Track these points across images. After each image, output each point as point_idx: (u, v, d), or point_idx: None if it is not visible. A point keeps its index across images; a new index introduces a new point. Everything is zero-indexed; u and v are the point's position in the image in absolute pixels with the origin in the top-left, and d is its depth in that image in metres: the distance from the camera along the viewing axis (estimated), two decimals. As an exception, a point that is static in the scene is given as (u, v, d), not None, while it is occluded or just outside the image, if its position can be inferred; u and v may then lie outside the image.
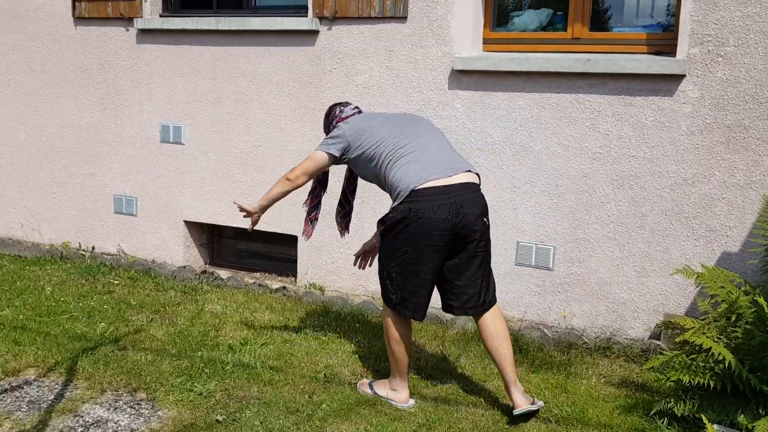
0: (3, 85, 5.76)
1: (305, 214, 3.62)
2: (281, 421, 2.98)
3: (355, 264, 3.66)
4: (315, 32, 4.61)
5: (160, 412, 3.04)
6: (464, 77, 4.25)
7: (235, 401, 3.13)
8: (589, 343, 3.93)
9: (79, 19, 5.39)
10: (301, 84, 4.72)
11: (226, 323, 4.08)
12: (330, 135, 3.25)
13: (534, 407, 3.03)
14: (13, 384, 3.27)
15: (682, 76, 3.72)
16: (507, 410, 3.09)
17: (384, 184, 3.11)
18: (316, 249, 4.81)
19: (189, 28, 5.00)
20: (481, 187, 3.13)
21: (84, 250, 5.52)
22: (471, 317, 3.22)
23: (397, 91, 4.43)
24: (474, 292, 3.07)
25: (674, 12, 3.91)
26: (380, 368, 3.54)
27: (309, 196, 3.59)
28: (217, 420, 2.97)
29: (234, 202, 3.76)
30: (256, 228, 3.59)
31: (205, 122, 5.10)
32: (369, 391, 3.29)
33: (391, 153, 3.04)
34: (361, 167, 3.21)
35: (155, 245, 5.39)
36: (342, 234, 3.69)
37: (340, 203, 3.64)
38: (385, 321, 3.16)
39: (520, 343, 3.87)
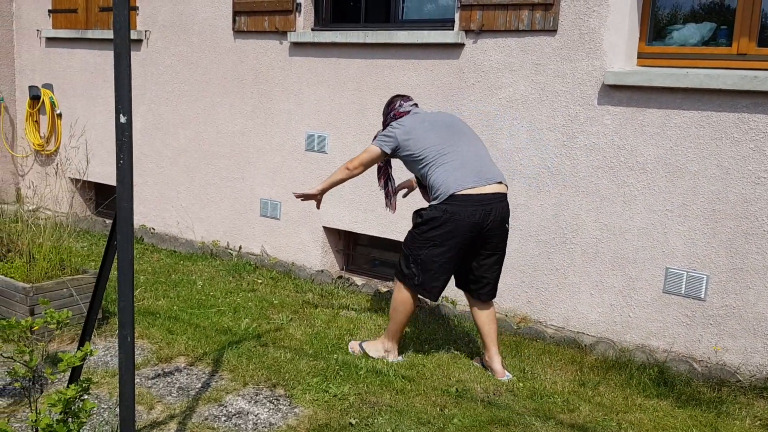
0: (168, 93, 6.25)
1: (383, 194, 4.03)
2: (412, 431, 2.98)
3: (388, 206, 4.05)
4: (460, 45, 4.62)
5: (296, 409, 3.15)
6: (616, 92, 4.08)
7: (368, 406, 3.18)
8: (744, 382, 3.62)
9: (238, 33, 5.75)
10: (443, 97, 4.74)
11: (360, 329, 4.16)
12: (385, 133, 3.64)
13: (507, 377, 3.60)
14: (166, 370, 3.51)
15: None
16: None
17: (425, 183, 3.56)
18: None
19: (338, 41, 5.18)
20: (508, 194, 3.64)
21: (231, 249, 5.86)
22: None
23: (543, 105, 4.34)
24: (491, 281, 3.63)
25: None
26: (514, 389, 3.46)
27: (379, 176, 3.99)
28: (350, 423, 3.02)
29: (293, 192, 4.03)
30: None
31: (347, 132, 5.26)
32: (359, 350, 3.75)
33: (435, 158, 3.48)
34: (408, 164, 3.65)
35: (295, 248, 5.61)
36: (391, 208, 4.04)
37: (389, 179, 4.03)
38: (398, 294, 3.62)
39: (665, 376, 3.64)
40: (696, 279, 3.89)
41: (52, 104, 7.07)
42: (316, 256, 5.50)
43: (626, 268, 4.12)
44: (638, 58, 4.19)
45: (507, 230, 3.61)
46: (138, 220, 6.49)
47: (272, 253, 5.75)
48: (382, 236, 5.14)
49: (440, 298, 4.73)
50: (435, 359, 3.75)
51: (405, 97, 3.85)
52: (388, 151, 3.60)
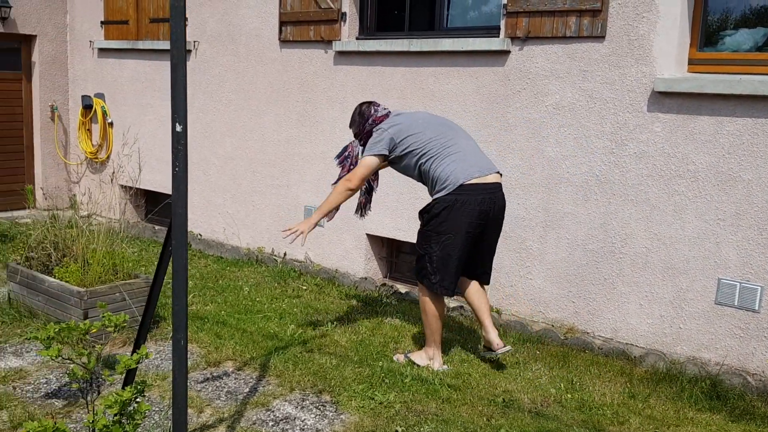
0: (215, 102, 6.37)
1: (359, 215, 4.16)
2: (459, 440, 2.97)
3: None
4: (506, 52, 4.60)
5: (342, 416, 3.16)
6: (666, 99, 4.01)
7: (414, 414, 3.17)
8: (802, 398, 3.50)
9: (283, 42, 5.84)
10: (487, 104, 4.73)
11: (404, 336, 4.16)
12: (374, 140, 3.66)
13: (507, 348, 3.71)
14: (214, 374, 3.57)
15: None
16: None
17: (426, 178, 3.63)
18: (494, 271, 4.76)
19: (383, 49, 5.21)
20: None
21: (276, 256, 5.93)
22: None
23: (590, 112, 4.29)
24: (488, 264, 3.82)
25: None
26: (562, 400, 3.41)
27: (363, 196, 4.07)
28: (396, 431, 3.02)
29: (282, 231, 3.90)
30: None
31: (392, 140, 5.28)
32: (404, 359, 3.73)
33: (439, 151, 3.57)
34: (404, 162, 3.68)
35: (339, 255, 5.64)
36: (362, 214, 4.15)
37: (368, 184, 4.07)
38: (423, 299, 3.67)
39: (718, 389, 3.54)
40: (750, 290, 3.78)
41: (104, 113, 7.27)
42: (360, 263, 5.53)
43: (677, 278, 4.03)
44: (689, 64, 4.11)
45: (503, 217, 3.79)
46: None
47: (316, 259, 5.80)
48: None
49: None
50: (481, 369, 3.73)
51: (374, 103, 3.87)
52: (387, 153, 3.65)
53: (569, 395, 3.45)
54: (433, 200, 3.57)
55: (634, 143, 4.13)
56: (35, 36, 7.40)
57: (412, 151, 3.61)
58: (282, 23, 5.79)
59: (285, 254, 5.96)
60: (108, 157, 7.37)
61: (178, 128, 2.19)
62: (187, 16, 6.55)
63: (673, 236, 4.03)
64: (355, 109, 3.90)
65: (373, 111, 3.80)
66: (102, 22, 7.31)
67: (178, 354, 2.33)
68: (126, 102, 7.19)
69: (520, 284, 4.64)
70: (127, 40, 7.07)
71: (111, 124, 7.29)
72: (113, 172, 6.14)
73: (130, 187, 6.93)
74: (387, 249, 5.66)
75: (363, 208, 4.14)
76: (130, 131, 7.07)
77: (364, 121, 3.80)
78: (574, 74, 4.33)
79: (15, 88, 7.42)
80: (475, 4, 5.13)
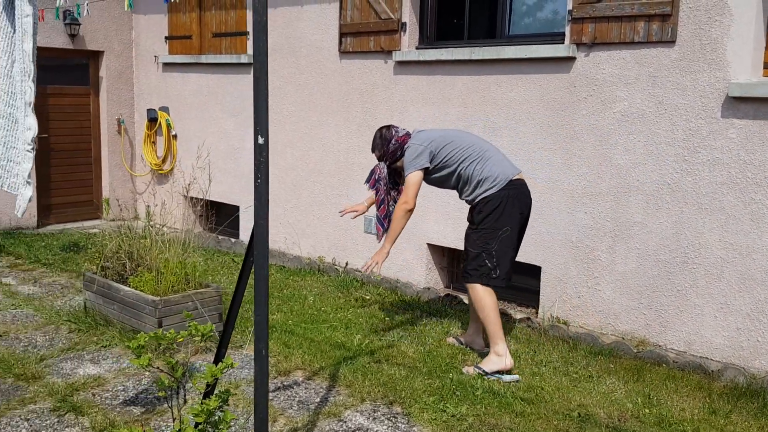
0: (276, 114, 6.47)
1: (378, 224, 4.18)
2: (534, 455, 2.91)
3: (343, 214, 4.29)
4: (571, 59, 4.53)
5: (415, 428, 3.15)
6: (741, 104, 3.89)
7: (488, 428, 3.13)
8: None
9: (343, 54, 5.89)
10: (552, 111, 4.67)
11: (474, 350, 4.11)
12: (412, 157, 3.85)
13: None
14: (285, 383, 3.60)
15: None
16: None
17: (470, 181, 3.84)
18: (560, 282, 4.69)
19: (443, 58, 5.21)
20: None
21: (338, 265, 5.96)
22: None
23: (661, 119, 4.18)
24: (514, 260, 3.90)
25: None
26: (640, 415, 3.32)
27: (379, 207, 4.14)
28: (470, 444, 2.99)
29: (362, 268, 4.05)
30: None
31: (453, 149, 5.26)
32: (474, 371, 3.73)
33: (480, 154, 3.83)
34: (441, 172, 3.89)
35: (399, 265, 5.64)
36: (379, 238, 4.19)
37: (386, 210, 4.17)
38: (478, 297, 3.78)
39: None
40: (837, 302, 3.61)
41: (168, 126, 7.47)
42: (420, 273, 5.51)
43: (754, 289, 3.89)
44: (765, 68, 3.98)
45: None
46: (247, 236, 6.72)
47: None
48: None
49: (553, 320, 4.64)
50: (553, 382, 3.66)
51: (392, 126, 4.07)
52: (429, 165, 3.87)
53: (647, 410, 3.35)
54: (484, 198, 3.78)
55: (707, 150, 4.01)
56: (103, 52, 7.67)
57: (452, 159, 3.85)
58: (342, 35, 5.85)
59: (347, 264, 5.98)
60: (172, 169, 7.56)
61: (260, 140, 2.22)
62: (248, 29, 6.73)
63: (750, 246, 3.90)
64: (375, 133, 4.09)
65: (393, 132, 4.02)
66: (166, 38, 7.52)
67: (259, 363, 2.36)
68: (189, 115, 7.37)
69: (588, 295, 4.55)
70: (190, 54, 7.26)
71: (175, 136, 7.49)
72: (189, 184, 6.30)
73: (195, 198, 7.10)
74: (448, 259, 5.63)
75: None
76: (193, 143, 7.23)
77: (387, 143, 4.00)
78: (643, 80, 4.24)
79: (83, 103, 7.69)
80: (538, 11, 5.08)
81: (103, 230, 7.38)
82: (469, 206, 3.96)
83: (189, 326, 2.42)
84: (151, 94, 7.80)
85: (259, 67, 2.26)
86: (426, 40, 5.56)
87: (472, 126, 5.09)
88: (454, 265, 5.66)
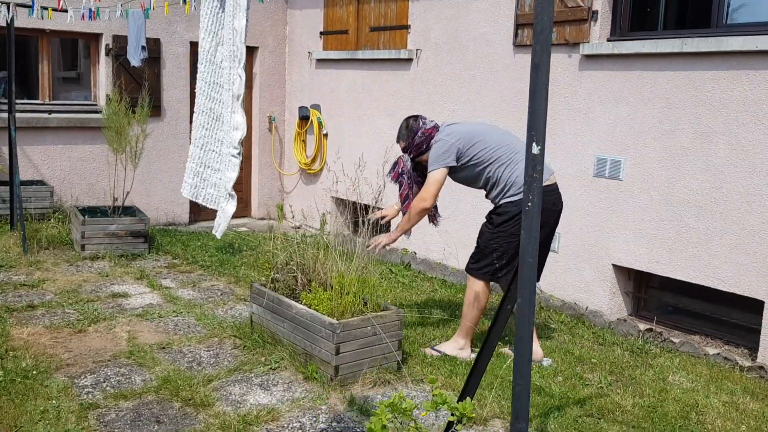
0: (437, 114, 5.95)
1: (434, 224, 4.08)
2: None
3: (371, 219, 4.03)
4: (821, 52, 3.70)
5: None
6: None
7: None
8: None
9: (519, 47, 5.29)
10: (792, 116, 3.85)
11: (708, 406, 3.37)
12: (438, 153, 3.67)
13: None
14: None
15: None
16: None
17: (497, 183, 3.68)
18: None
19: (644, 51, 4.49)
20: None
21: (504, 282, 5.39)
22: None
23: None
24: (543, 262, 3.76)
25: None
26: None
27: (404, 203, 3.94)
28: None
29: (366, 247, 3.84)
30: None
31: (650, 157, 4.53)
32: (434, 353, 3.77)
33: (510, 157, 3.66)
34: (467, 170, 3.73)
35: (576, 286, 4.99)
36: (435, 224, 4.10)
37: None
38: (476, 293, 3.75)
39: None
40: None
41: (320, 124, 7.19)
42: (603, 298, 4.83)
43: None
44: None
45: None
46: (399, 244, 6.29)
47: (547, 289, 5.18)
48: (693, 281, 4.33)
49: None
50: None
51: (420, 117, 3.89)
52: (455, 163, 3.69)
53: None
54: (510, 203, 3.63)
55: None
56: (257, 48, 7.51)
57: (480, 158, 3.68)
58: (519, 26, 5.25)
59: (516, 281, 5.40)
60: (321, 169, 7.28)
61: (535, 150, 1.68)
62: (410, 23, 6.27)
63: None
64: (402, 123, 3.93)
65: (421, 124, 3.84)
66: (321, 33, 7.24)
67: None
68: (342, 113, 7.04)
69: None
70: (346, 50, 6.92)
71: (326, 135, 7.19)
72: (354, 188, 5.99)
73: (344, 200, 6.75)
74: (634, 283, 4.90)
75: (433, 218, 4.08)
76: (346, 142, 6.88)
77: (413, 134, 3.83)
78: None
79: (236, 100, 7.58)
80: (768, -5, 4.26)
81: (252, 229, 7.23)
82: (492, 205, 3.82)
83: (434, 396, 1.92)
84: (302, 92, 7.56)
85: (541, 48, 1.71)
86: (618, 31, 4.85)
87: (677, 130, 4.35)
88: (642, 290, 4.92)
